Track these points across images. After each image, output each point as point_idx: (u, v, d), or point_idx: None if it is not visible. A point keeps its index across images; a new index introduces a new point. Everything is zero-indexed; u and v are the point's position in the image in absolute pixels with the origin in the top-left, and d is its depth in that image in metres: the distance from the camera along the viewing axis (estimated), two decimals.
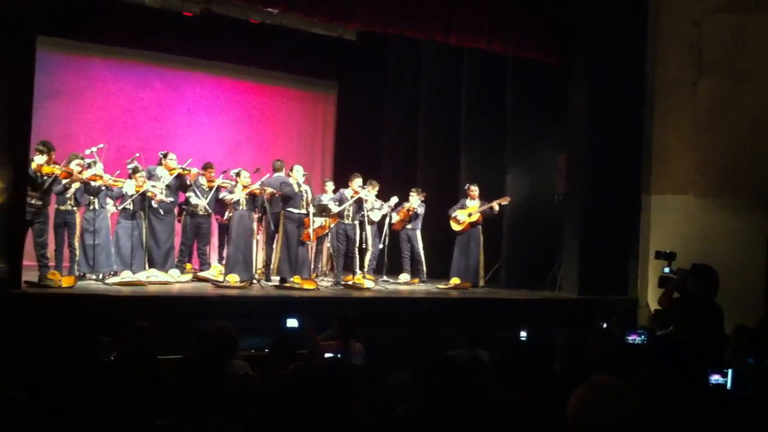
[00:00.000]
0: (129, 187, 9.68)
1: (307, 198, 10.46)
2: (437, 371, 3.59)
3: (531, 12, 10.90)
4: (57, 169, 8.74)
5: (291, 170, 10.52)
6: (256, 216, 10.38)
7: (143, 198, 9.78)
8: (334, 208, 10.79)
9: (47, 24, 9.44)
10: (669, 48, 10.66)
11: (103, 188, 9.47)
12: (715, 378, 4.34)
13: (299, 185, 10.38)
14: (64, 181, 8.96)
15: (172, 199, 10.25)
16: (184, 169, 10.32)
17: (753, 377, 4.59)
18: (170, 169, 10.28)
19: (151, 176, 10.09)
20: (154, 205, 9.91)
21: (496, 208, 11.37)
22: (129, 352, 4.76)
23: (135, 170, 9.82)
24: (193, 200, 10.41)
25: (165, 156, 10.37)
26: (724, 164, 10.25)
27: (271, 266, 10.58)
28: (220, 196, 10.55)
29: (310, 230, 10.52)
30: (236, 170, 10.51)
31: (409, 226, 11.71)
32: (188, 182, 10.42)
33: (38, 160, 8.54)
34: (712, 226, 10.10)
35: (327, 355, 4.91)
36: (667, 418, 3.41)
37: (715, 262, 5.94)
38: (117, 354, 4.74)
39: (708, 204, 10.28)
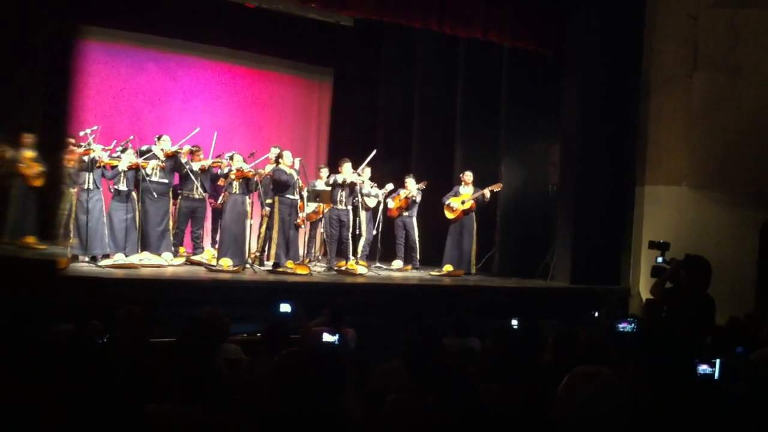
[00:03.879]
0: (123, 164, 9.65)
1: (299, 184, 10.48)
2: (428, 360, 3.57)
3: (527, 2, 10.87)
4: None
5: (281, 157, 10.48)
6: (249, 200, 10.37)
7: (136, 178, 9.75)
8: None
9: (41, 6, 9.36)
10: (665, 41, 10.66)
11: (99, 167, 9.44)
12: (703, 368, 4.35)
13: (296, 172, 10.38)
14: None
15: (166, 180, 10.21)
16: (177, 151, 10.26)
17: (741, 370, 4.61)
18: (164, 151, 10.22)
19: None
20: (148, 173, 9.84)
21: (488, 195, 11.37)
22: (120, 337, 4.76)
23: (123, 150, 9.80)
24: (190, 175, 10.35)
25: (159, 139, 10.32)
26: (718, 157, 10.27)
27: (266, 252, 10.61)
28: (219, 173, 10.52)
29: (303, 215, 10.54)
30: (230, 153, 10.48)
31: (405, 214, 11.73)
32: (182, 162, 10.35)
33: None
34: (704, 219, 10.14)
35: (325, 336, 4.81)
36: (656, 408, 3.43)
37: (708, 254, 5.94)
38: (108, 338, 4.74)
39: (701, 196, 10.30)
